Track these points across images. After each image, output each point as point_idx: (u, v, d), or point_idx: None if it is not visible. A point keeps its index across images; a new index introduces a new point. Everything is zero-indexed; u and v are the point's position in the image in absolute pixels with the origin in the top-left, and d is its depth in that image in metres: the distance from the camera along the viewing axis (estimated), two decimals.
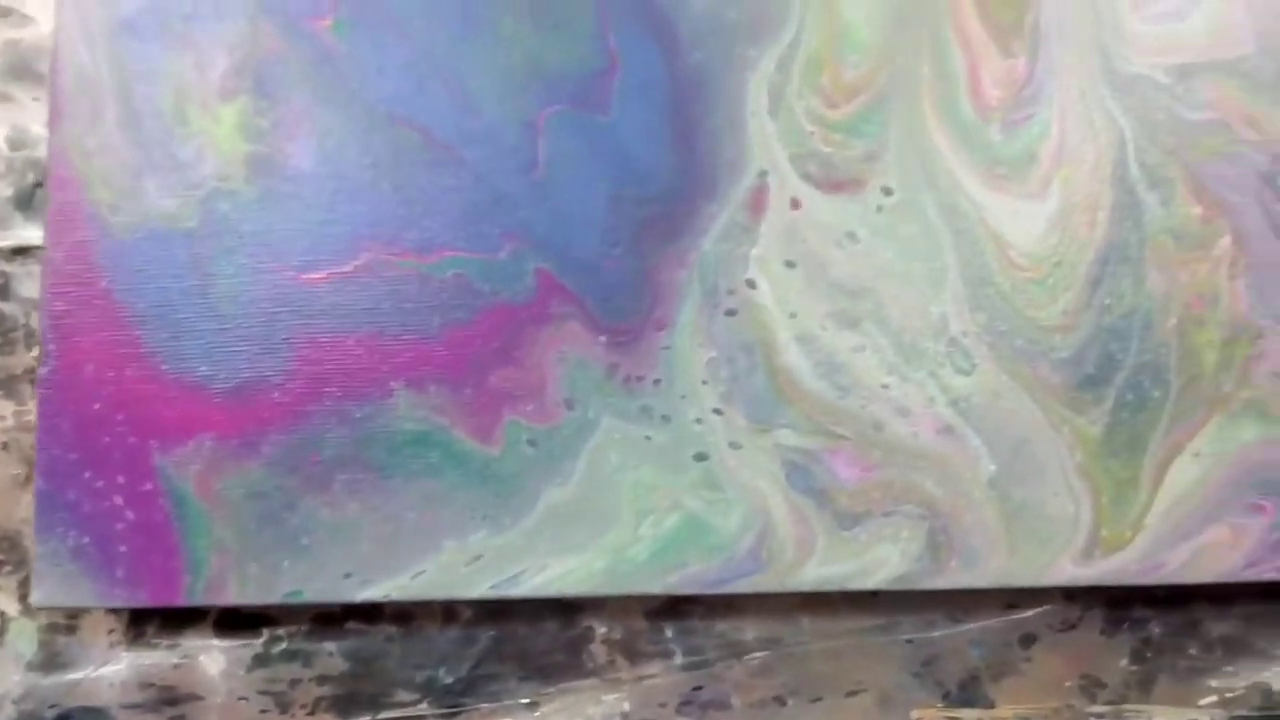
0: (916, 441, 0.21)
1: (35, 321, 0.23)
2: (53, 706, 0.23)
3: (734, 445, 0.22)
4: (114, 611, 0.23)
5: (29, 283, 0.23)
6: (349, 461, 0.21)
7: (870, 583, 0.21)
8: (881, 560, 0.21)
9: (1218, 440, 0.22)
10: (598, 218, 0.22)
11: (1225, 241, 0.22)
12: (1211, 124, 0.22)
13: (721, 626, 0.23)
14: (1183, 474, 0.21)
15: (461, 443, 0.22)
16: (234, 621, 0.23)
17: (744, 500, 0.21)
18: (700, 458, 0.22)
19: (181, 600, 0.21)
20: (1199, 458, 0.22)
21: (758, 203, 0.22)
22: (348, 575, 0.21)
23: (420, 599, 0.21)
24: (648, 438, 0.22)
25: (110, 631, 0.23)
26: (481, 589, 0.21)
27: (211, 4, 0.22)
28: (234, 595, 0.21)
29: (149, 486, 0.21)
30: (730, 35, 0.22)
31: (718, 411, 0.22)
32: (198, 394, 0.22)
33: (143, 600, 0.21)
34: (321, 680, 0.23)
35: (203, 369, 0.22)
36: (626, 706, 0.23)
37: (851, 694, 0.23)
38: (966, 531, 0.21)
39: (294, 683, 0.23)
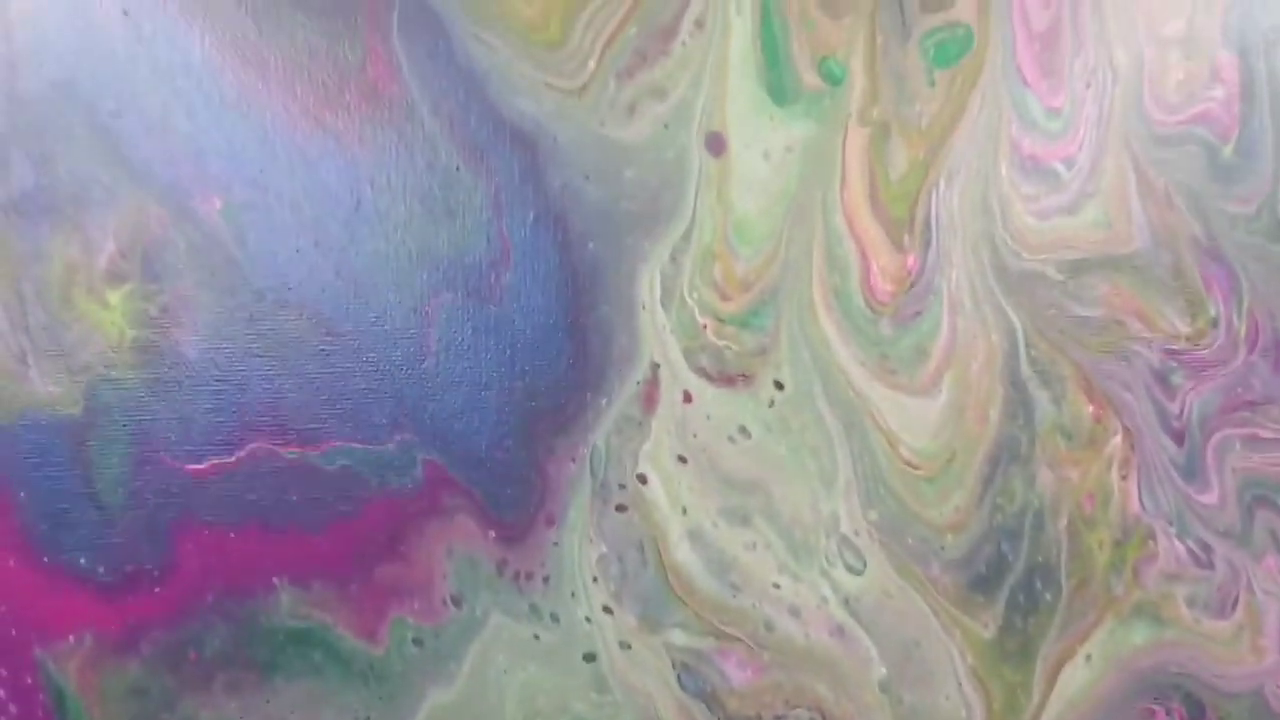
0: (808, 642, 0.21)
1: None
2: None
3: (624, 645, 0.22)
4: None
5: None
6: (230, 659, 0.21)
7: None
8: None
9: (1110, 644, 0.22)
10: (488, 409, 0.22)
11: (1117, 440, 0.22)
12: (1104, 320, 0.23)
13: None
14: (1074, 678, 0.21)
15: (345, 641, 0.22)
16: None
17: (633, 703, 0.21)
18: (589, 658, 0.22)
19: None
20: (1091, 661, 0.22)
21: (649, 396, 0.22)
22: None
23: None
24: (536, 637, 0.22)
25: None
26: None
27: (101, 186, 0.22)
28: None
29: (29, 680, 0.21)
30: (624, 226, 0.22)
31: (608, 610, 0.22)
32: (79, 586, 0.22)
33: None
34: None
35: (83, 560, 0.22)
36: None
37: None
38: None
39: None
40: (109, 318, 0.24)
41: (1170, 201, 0.24)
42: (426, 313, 0.24)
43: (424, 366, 0.24)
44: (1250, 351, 0.24)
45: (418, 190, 0.24)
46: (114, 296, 0.24)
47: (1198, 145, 0.24)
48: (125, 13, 0.24)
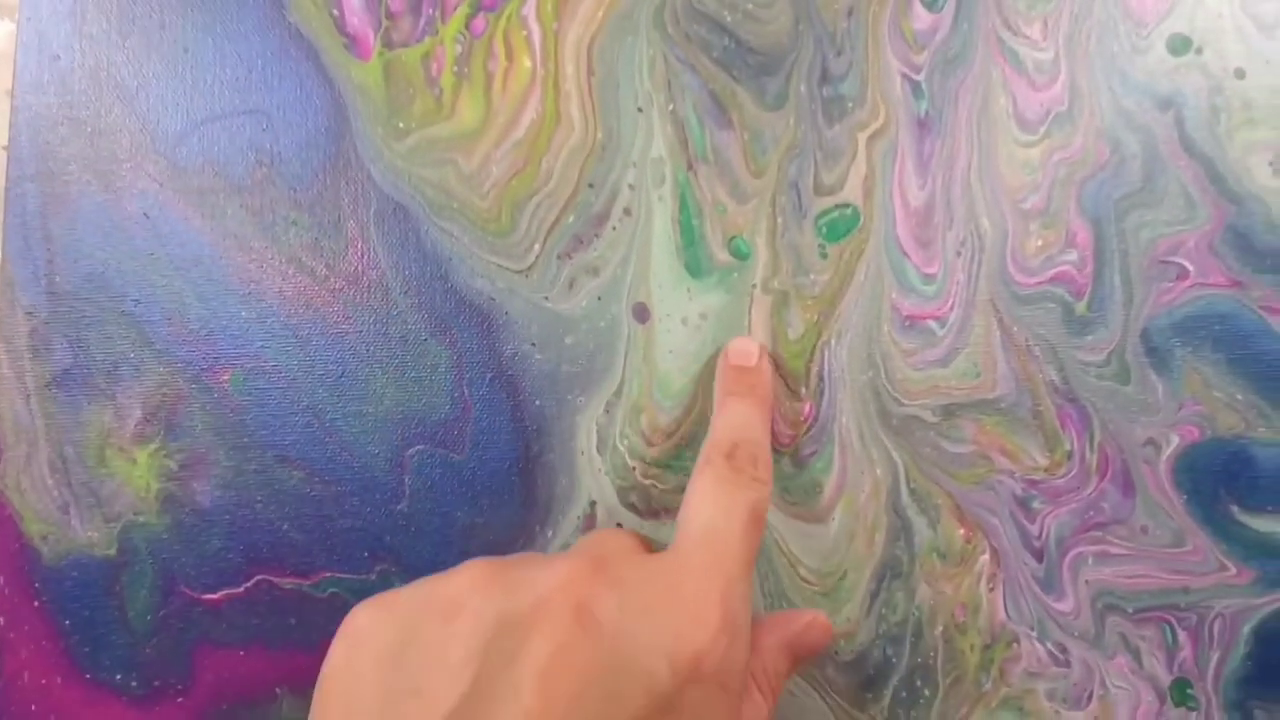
0: None
1: None
2: None
3: None
4: None
5: None
6: None
7: None
8: None
9: None
10: (454, 542, 0.27)
11: (984, 558, 0.27)
12: (972, 456, 0.27)
13: None
14: None
15: None
16: None
17: None
18: None
19: None
20: None
21: (587, 528, 0.27)
22: None
23: None
24: None
25: None
26: None
27: (130, 363, 0.27)
28: None
29: None
30: (565, 385, 0.27)
31: None
32: (115, 698, 0.27)
33: None
34: None
35: (119, 677, 0.27)
36: None
37: None
38: None
39: None
40: (137, 473, 0.29)
41: (1031, 352, 0.29)
42: (401, 462, 0.28)
43: (399, 508, 0.28)
44: (1101, 479, 0.28)
45: (393, 359, 0.29)
46: (141, 455, 0.29)
47: (1055, 303, 0.29)
48: (145, 215, 0.29)
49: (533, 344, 0.31)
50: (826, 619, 0.26)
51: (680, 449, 0.31)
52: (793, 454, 0.31)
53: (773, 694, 0.25)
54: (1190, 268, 0.31)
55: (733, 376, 0.29)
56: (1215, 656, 0.30)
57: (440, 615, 0.21)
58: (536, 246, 0.31)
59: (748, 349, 0.29)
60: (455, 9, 0.32)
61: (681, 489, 0.30)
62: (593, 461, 0.31)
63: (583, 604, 0.20)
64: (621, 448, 0.31)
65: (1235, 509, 0.30)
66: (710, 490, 0.25)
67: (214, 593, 0.30)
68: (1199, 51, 0.31)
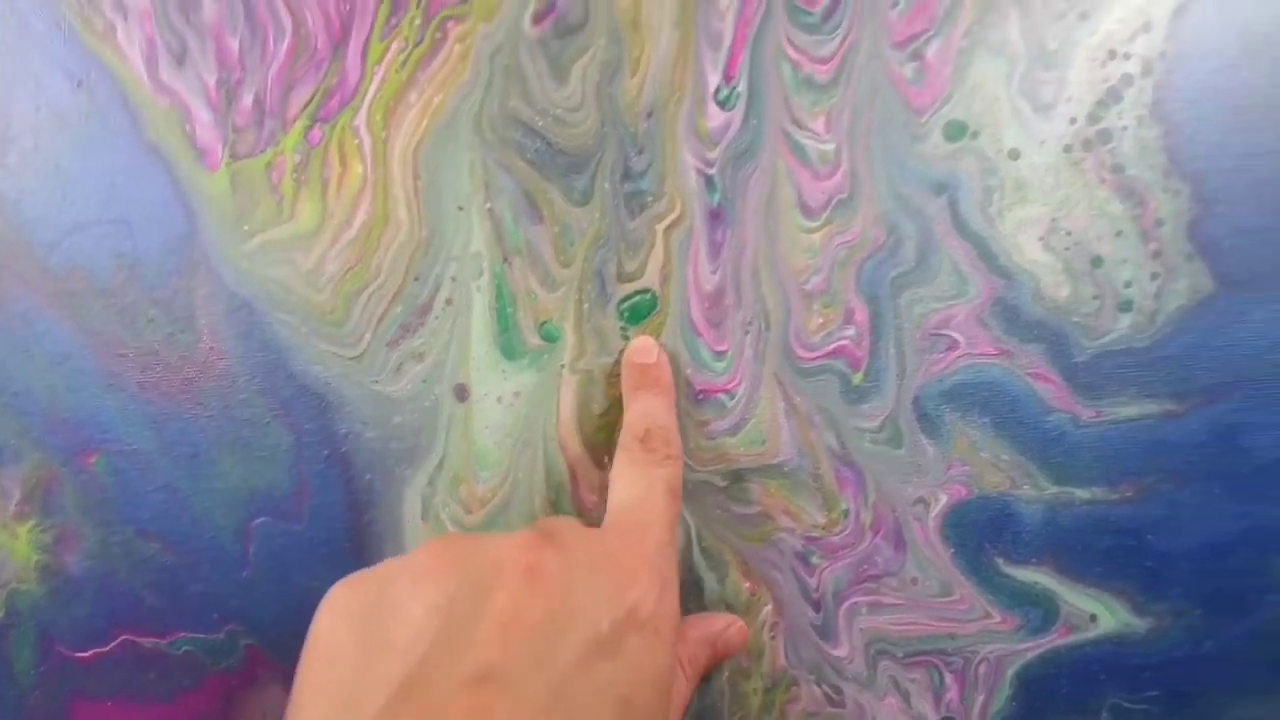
0: None
1: None
2: None
3: None
4: None
5: None
6: None
7: None
8: None
9: None
10: (293, 605, 0.30)
11: (768, 609, 0.30)
12: (758, 516, 0.30)
13: None
14: None
15: None
16: None
17: None
18: None
19: None
20: None
21: None
22: None
23: None
24: None
25: None
26: None
27: (10, 449, 0.30)
28: None
29: None
30: (393, 460, 0.30)
31: None
32: None
33: None
34: None
35: None
36: None
37: None
38: None
39: None
40: (19, 546, 0.32)
41: (812, 421, 0.32)
42: (247, 533, 0.32)
43: (244, 575, 0.32)
44: (875, 535, 0.31)
45: (240, 441, 0.32)
46: (22, 531, 0.32)
47: (834, 375, 0.32)
48: (22, 316, 0.32)
49: (364, 424, 0.34)
50: (745, 626, 0.31)
51: (494, 515, 0.34)
52: (597, 518, 0.34)
53: (694, 678, 0.29)
54: (960, 339, 0.34)
55: (638, 372, 0.32)
56: (980, 698, 0.33)
57: (409, 580, 0.24)
58: (367, 335, 0.35)
59: (647, 347, 0.32)
60: (295, 121, 0.35)
61: None
62: (417, 529, 0.34)
63: (533, 566, 0.23)
64: (443, 516, 0.34)
65: (1000, 561, 0.33)
66: (629, 472, 0.29)
67: (85, 651, 0.34)
68: (975, 136, 0.34)
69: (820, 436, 0.33)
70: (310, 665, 0.24)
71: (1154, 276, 0.33)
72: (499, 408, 0.34)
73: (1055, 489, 0.33)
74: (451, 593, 0.23)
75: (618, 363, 0.34)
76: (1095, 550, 0.33)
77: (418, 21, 0.35)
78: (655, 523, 0.27)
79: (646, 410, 0.31)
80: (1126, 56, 0.34)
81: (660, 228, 0.34)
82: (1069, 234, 0.33)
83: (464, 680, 0.21)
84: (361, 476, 0.34)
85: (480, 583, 0.23)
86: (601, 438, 0.34)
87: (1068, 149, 0.34)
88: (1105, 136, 0.33)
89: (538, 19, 0.35)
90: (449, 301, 0.34)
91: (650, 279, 0.34)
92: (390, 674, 0.21)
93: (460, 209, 0.34)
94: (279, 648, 0.34)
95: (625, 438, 0.30)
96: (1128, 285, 0.33)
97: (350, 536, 0.34)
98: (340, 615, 0.24)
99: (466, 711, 0.20)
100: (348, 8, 0.35)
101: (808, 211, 0.34)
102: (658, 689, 0.23)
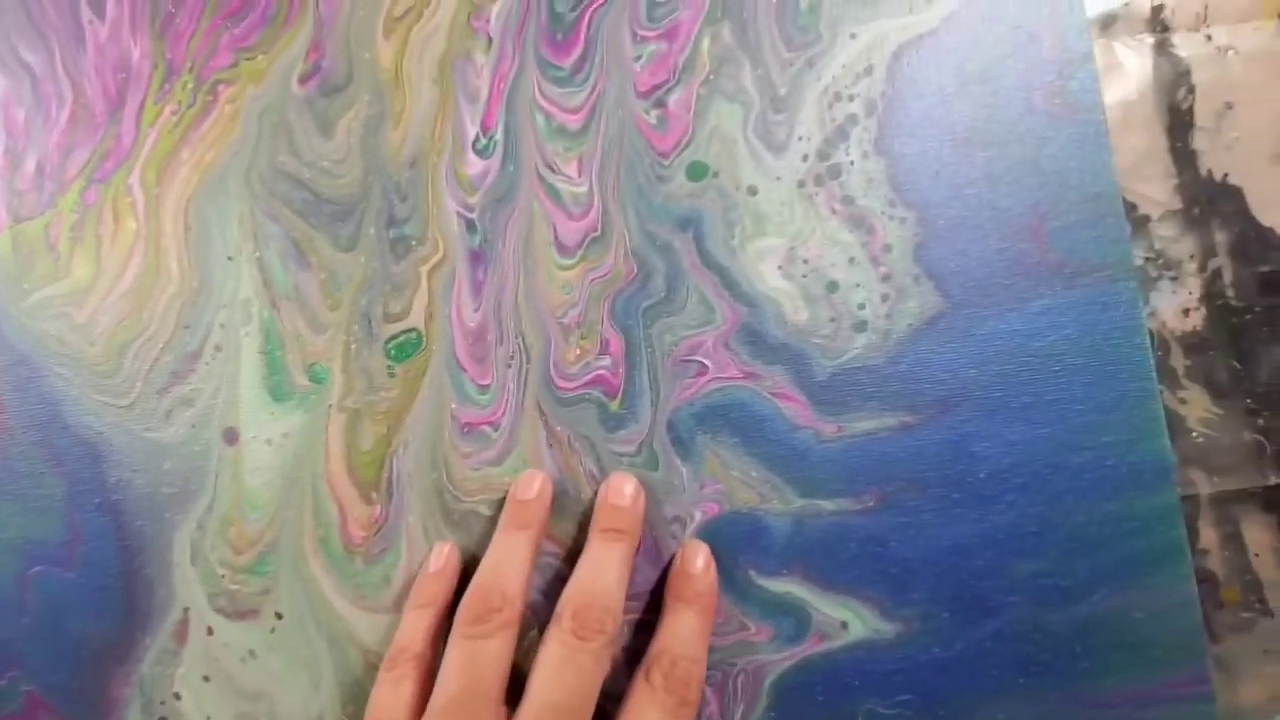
0: None
1: None
2: None
3: None
4: None
5: None
6: None
7: None
8: None
9: None
10: (69, 649, 0.30)
11: (533, 633, 0.30)
12: None
13: None
14: None
15: None
16: None
17: None
18: None
19: None
20: None
21: (181, 633, 0.31)
22: None
23: None
24: None
25: None
26: None
27: None
28: None
29: None
30: (163, 506, 0.31)
31: None
32: None
33: None
34: None
35: None
36: None
37: None
38: None
39: None
40: None
41: (572, 447, 0.33)
42: (24, 581, 0.32)
43: (24, 621, 0.32)
44: (634, 556, 0.32)
45: (18, 491, 0.33)
46: None
47: (592, 403, 0.33)
48: None
49: (135, 471, 0.35)
50: None
51: (263, 555, 0.35)
52: (364, 554, 0.35)
53: None
54: (709, 364, 0.35)
55: (683, 582, 0.32)
56: (739, 710, 0.34)
57: None
58: (138, 384, 0.35)
59: (701, 554, 0.33)
60: (72, 183, 0.37)
61: (265, 591, 0.34)
62: (186, 573, 0.35)
63: None
64: (212, 559, 0.35)
65: (753, 573, 0.34)
66: (643, 712, 0.29)
67: None
68: (715, 175, 0.36)
69: (581, 462, 0.35)
70: None
71: (885, 298, 0.35)
72: (268, 449, 0.35)
73: (802, 502, 0.34)
74: None
75: (385, 400, 0.35)
76: (843, 559, 0.34)
77: (190, 85, 0.37)
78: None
79: (684, 633, 0.31)
80: (851, 98, 0.36)
81: (424, 269, 0.36)
82: (805, 262, 0.35)
83: None
84: (133, 523, 0.34)
85: None
86: (370, 475, 0.35)
87: (801, 184, 0.36)
88: (835, 171, 0.36)
89: (304, 80, 0.37)
90: (218, 348, 0.35)
91: (416, 318, 0.36)
92: None
93: (230, 259, 0.36)
94: (57, 693, 0.34)
95: (651, 660, 0.30)
96: (861, 307, 0.35)
97: (121, 582, 0.34)
98: None
99: None
100: (124, 76, 0.36)
101: (563, 249, 0.36)
102: None
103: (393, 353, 0.35)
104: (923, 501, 0.34)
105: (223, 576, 0.34)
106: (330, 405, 0.35)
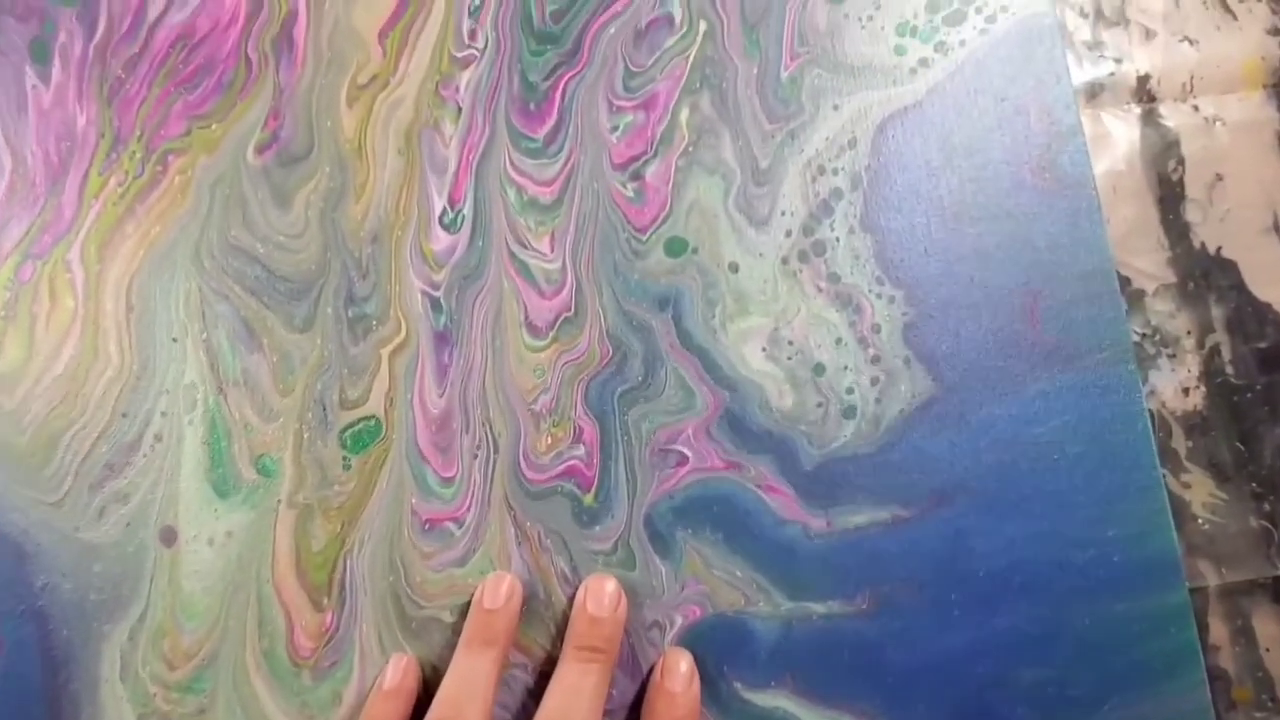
0: None
1: None
2: None
3: None
4: None
5: None
6: None
7: None
8: None
9: None
10: None
11: None
12: None
13: None
14: None
15: None
16: None
17: None
18: None
19: None
20: None
21: None
22: None
23: None
24: None
25: None
26: None
27: None
28: None
29: None
30: (92, 614, 0.28)
31: None
32: None
33: None
34: None
35: None
36: None
37: None
38: None
39: None
40: None
41: (543, 545, 0.30)
42: None
43: None
44: (611, 671, 0.30)
45: None
46: None
47: (564, 496, 0.31)
48: None
49: (62, 575, 0.32)
50: None
51: (200, 670, 0.32)
52: (312, 667, 0.32)
53: None
54: (689, 454, 0.33)
55: (664, 701, 0.29)
56: None
57: None
58: (70, 479, 0.33)
59: (681, 665, 0.30)
60: (7, 258, 0.34)
61: (200, 712, 0.31)
62: (115, 689, 0.31)
63: None
64: (144, 674, 0.32)
65: (738, 686, 0.32)
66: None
67: None
68: (695, 251, 0.35)
69: (553, 562, 0.32)
70: None
71: (874, 382, 0.33)
72: (209, 551, 0.32)
73: (791, 604, 0.32)
74: None
75: (339, 494, 0.32)
76: (835, 668, 0.31)
77: (138, 155, 0.34)
78: None
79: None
80: (835, 171, 0.35)
81: (385, 352, 0.33)
82: (791, 343, 0.34)
83: None
84: (59, 632, 0.31)
85: None
86: (321, 578, 0.32)
87: (785, 260, 0.34)
88: (819, 248, 0.34)
89: (261, 149, 0.35)
90: (158, 438, 0.33)
91: (374, 405, 0.33)
92: None
93: (174, 340, 0.33)
94: None
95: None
96: (850, 391, 0.33)
97: (45, 699, 0.31)
98: None
99: None
100: (68, 144, 0.34)
101: (534, 330, 0.34)
102: None
103: (349, 442, 0.33)
104: (919, 603, 0.32)
105: (154, 695, 0.31)
106: (279, 501, 0.32)
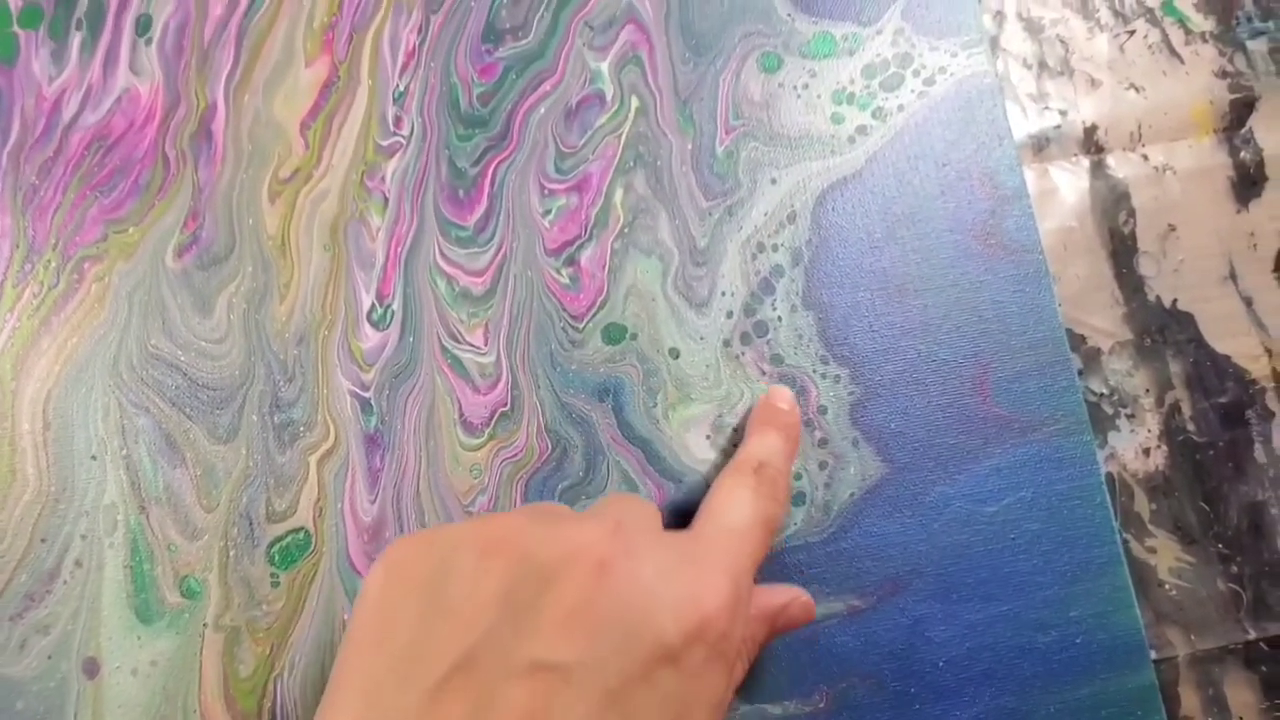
0: None
1: None
2: None
3: None
4: None
5: None
6: None
7: None
8: None
9: None
10: None
11: None
12: None
13: None
14: None
15: None
16: None
17: None
18: None
19: None
20: None
21: None
22: None
23: None
24: None
25: None
26: None
27: None
28: None
29: None
30: None
31: None
32: None
33: None
34: None
35: None
36: None
37: None
38: None
39: None
40: None
41: None
42: None
43: None
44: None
45: None
46: None
47: None
48: None
49: None
50: (809, 598, 0.29)
51: None
52: None
53: (748, 659, 0.27)
54: None
55: (769, 412, 0.31)
56: None
57: (478, 551, 0.22)
58: None
59: (785, 395, 0.31)
60: None
61: None
62: None
63: (605, 561, 0.22)
64: None
65: None
66: (735, 492, 0.28)
67: None
68: (634, 337, 0.33)
69: None
70: (363, 623, 0.22)
71: (822, 466, 0.32)
72: (133, 681, 0.30)
73: (746, 707, 0.30)
74: (519, 573, 0.22)
75: (268, 614, 0.30)
76: None
77: (54, 264, 0.33)
78: (747, 550, 0.26)
79: (770, 447, 0.29)
80: (775, 248, 0.33)
81: (313, 459, 0.32)
82: (736, 430, 0.32)
83: (524, 665, 0.21)
84: None
85: (550, 568, 0.22)
86: (250, 705, 0.30)
87: (727, 343, 0.33)
88: (761, 328, 0.33)
89: (181, 252, 0.33)
90: (78, 563, 0.31)
91: (303, 516, 0.31)
92: (449, 646, 0.21)
93: (94, 458, 0.32)
94: None
95: (740, 460, 0.29)
96: (798, 478, 0.32)
97: None
98: (401, 575, 0.23)
99: (523, 696, 0.20)
100: None
101: (469, 428, 0.32)
102: (713, 711, 0.23)
103: (277, 558, 0.31)
104: (879, 700, 0.30)
105: None
106: (205, 625, 0.30)
